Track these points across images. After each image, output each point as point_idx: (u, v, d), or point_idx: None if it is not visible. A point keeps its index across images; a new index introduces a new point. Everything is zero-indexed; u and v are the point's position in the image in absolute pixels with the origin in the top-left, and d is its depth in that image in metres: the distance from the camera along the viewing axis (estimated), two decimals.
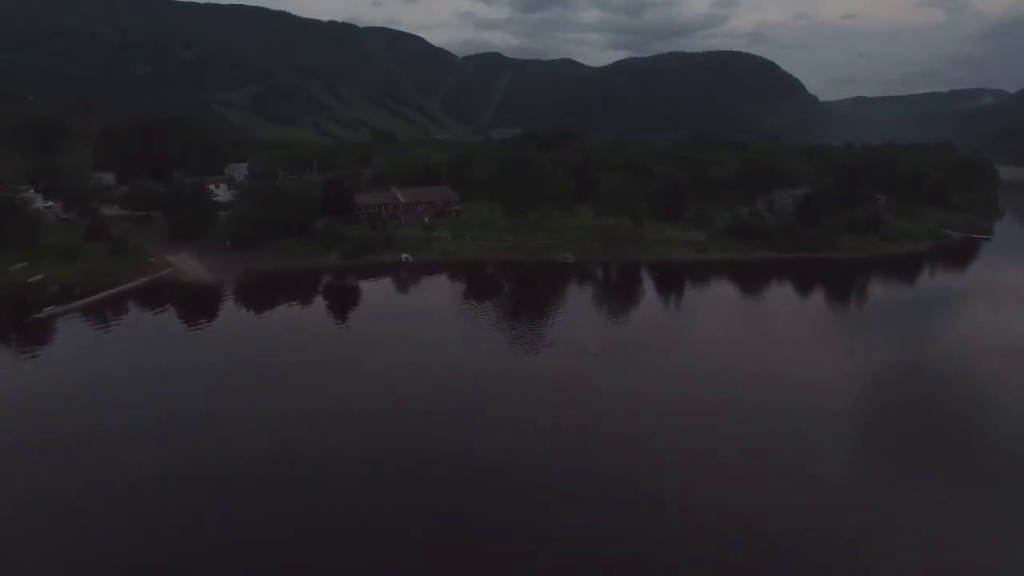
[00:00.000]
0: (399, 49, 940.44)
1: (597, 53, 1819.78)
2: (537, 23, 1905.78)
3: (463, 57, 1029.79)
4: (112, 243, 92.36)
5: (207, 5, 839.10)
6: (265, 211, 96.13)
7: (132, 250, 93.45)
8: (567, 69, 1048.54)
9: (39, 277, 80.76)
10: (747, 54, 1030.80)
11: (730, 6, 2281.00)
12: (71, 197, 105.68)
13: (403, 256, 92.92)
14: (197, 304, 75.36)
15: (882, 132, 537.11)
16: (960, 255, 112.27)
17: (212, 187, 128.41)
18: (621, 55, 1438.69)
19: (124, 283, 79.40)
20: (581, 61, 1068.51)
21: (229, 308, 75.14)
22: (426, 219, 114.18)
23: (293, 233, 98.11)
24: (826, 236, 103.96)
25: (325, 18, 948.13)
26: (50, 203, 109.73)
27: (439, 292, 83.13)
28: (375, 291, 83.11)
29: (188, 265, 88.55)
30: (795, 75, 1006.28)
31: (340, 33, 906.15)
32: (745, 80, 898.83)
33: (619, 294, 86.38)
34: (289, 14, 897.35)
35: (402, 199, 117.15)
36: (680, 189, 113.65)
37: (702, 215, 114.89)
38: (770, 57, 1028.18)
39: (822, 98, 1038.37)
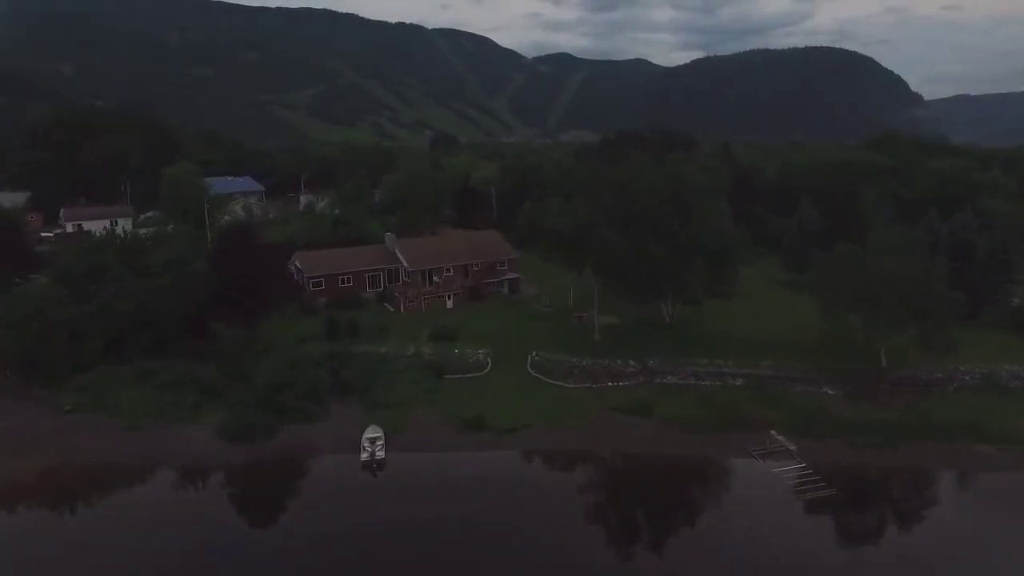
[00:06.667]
0: (466, 50, 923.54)
1: (668, 54, 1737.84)
2: (607, 23, 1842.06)
3: (532, 58, 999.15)
4: None
5: (276, 9, 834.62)
6: (76, 312, 42.89)
7: None
8: (641, 69, 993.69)
9: None
10: (840, 49, 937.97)
11: (812, 1, 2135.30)
12: None
13: (365, 440, 36.15)
14: None
15: (1008, 134, 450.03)
16: None
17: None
18: (694, 56, 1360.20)
19: None
20: (654, 62, 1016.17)
21: None
22: (449, 302, 58.55)
23: (150, 352, 44.73)
24: None
25: (393, 20, 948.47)
26: None
27: None
28: None
29: None
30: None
31: (408, 35, 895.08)
32: (842, 78, 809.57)
33: None
34: (357, 16, 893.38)
35: (405, 262, 61.01)
36: (1006, 252, 52.53)
37: None
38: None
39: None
